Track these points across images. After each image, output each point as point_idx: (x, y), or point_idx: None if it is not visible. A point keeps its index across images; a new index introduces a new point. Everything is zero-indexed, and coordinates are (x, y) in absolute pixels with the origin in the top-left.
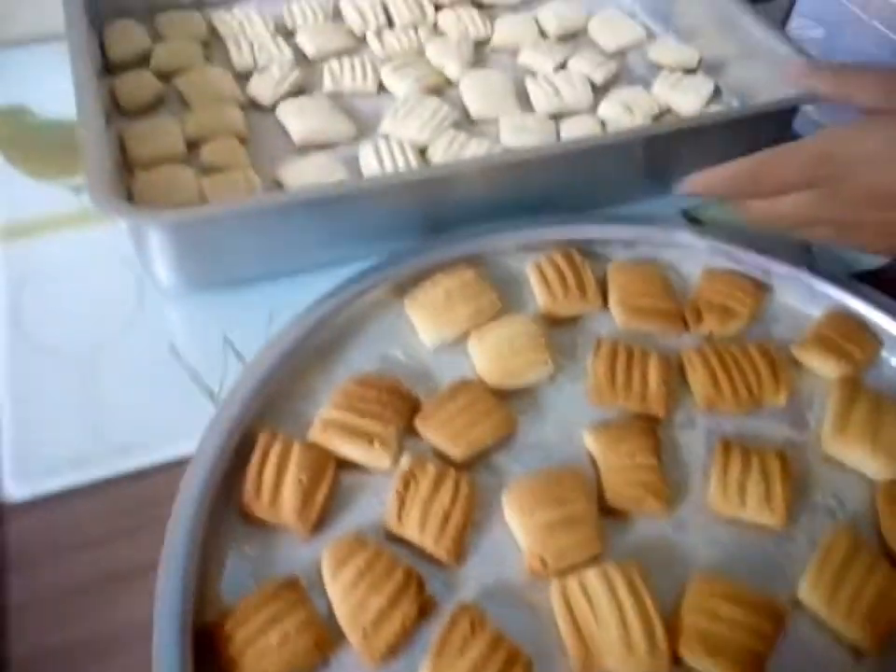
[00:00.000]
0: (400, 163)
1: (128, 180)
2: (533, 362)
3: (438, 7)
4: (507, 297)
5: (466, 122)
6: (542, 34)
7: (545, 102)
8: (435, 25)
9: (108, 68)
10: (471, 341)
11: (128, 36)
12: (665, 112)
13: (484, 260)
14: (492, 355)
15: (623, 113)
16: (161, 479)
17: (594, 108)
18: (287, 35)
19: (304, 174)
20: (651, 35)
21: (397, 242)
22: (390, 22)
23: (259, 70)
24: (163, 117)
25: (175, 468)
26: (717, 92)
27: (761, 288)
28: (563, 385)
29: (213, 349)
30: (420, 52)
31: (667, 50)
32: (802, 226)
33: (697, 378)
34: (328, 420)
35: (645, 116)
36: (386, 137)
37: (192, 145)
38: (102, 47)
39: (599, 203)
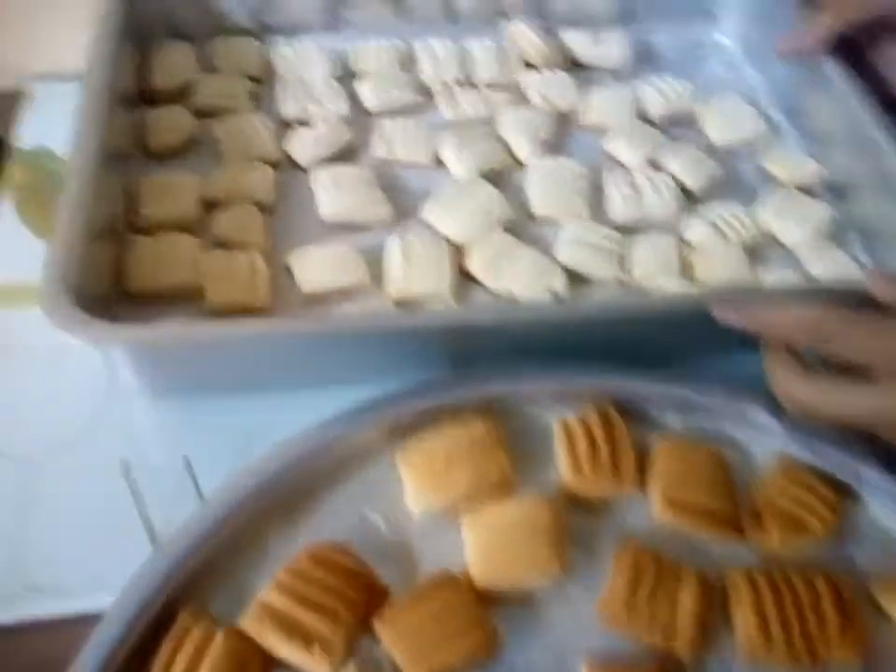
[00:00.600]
0: (427, 275)
1: (128, 240)
2: (536, 563)
3: (528, 65)
4: (525, 457)
5: (524, 216)
6: (643, 114)
7: (621, 208)
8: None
9: (151, 97)
10: (465, 522)
11: (173, 64)
12: (766, 238)
13: (506, 407)
14: (486, 545)
15: (713, 235)
16: (69, 635)
17: (679, 220)
18: (351, 76)
19: (318, 267)
20: (773, 130)
21: (409, 372)
22: (469, 77)
23: (304, 124)
24: (183, 172)
25: (89, 624)
26: (835, 222)
27: (846, 497)
28: (569, 592)
29: (170, 474)
30: (494, 119)
31: (785, 160)
32: (866, 421)
33: (743, 614)
34: (265, 606)
35: (739, 242)
36: (422, 226)
37: (211, 205)
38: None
39: (667, 358)
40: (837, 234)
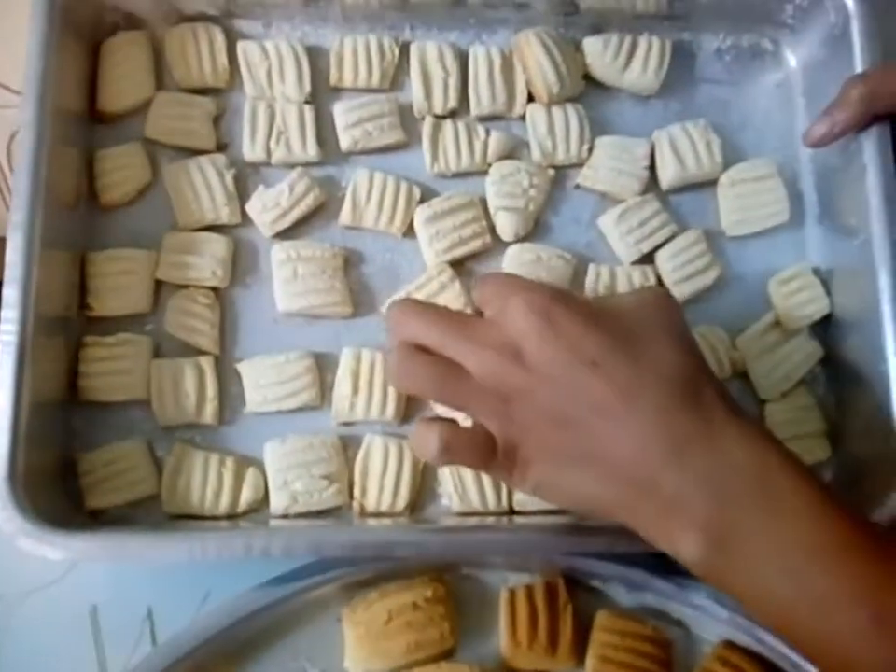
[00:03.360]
0: (373, 404)
1: (79, 340)
2: None
3: (532, 97)
4: (471, 622)
5: None
6: (654, 174)
7: None
8: (522, 117)
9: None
10: None
11: (124, 75)
12: (737, 374)
13: (459, 571)
14: None
15: None
16: None
17: None
18: (330, 92)
19: (267, 382)
20: (798, 220)
21: None
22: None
23: (264, 186)
24: (133, 252)
25: None
26: (824, 361)
27: None
28: None
29: (133, 622)
30: (482, 164)
31: (791, 290)
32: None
33: None
34: None
35: None
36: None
37: (161, 284)
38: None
39: None
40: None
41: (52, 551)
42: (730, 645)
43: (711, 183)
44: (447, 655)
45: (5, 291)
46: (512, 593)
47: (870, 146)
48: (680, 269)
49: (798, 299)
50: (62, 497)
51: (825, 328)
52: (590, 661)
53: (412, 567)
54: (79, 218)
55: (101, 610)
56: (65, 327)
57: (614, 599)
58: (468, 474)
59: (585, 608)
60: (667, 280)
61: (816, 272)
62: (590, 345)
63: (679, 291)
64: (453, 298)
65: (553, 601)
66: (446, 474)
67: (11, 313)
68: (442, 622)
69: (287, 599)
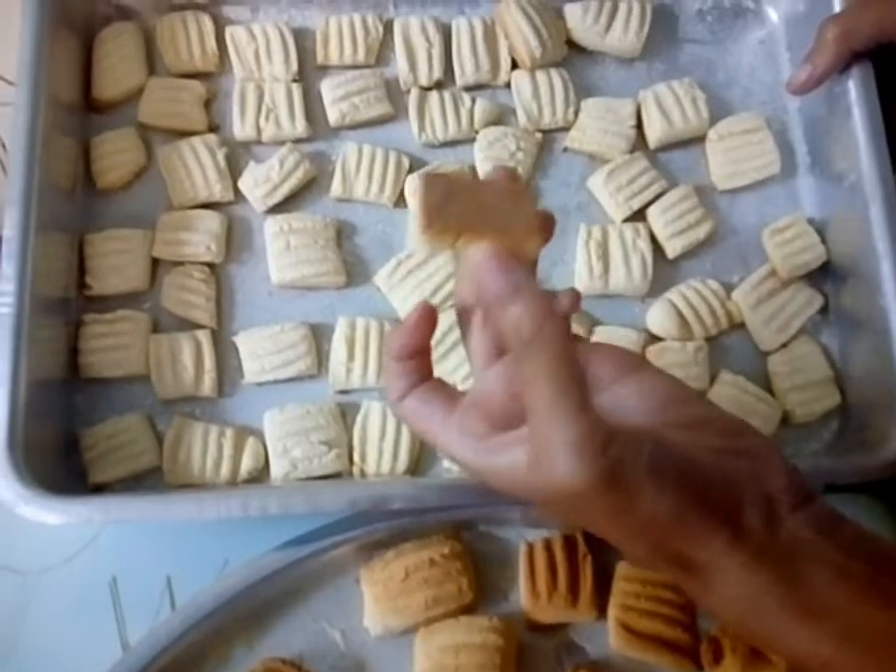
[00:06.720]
0: (368, 370)
1: (79, 319)
2: None
3: (515, 65)
4: (490, 579)
5: None
6: (642, 134)
7: (586, 283)
8: (507, 85)
9: (94, 106)
10: (418, 639)
11: (117, 64)
12: (735, 326)
13: (476, 528)
14: (433, 666)
15: (676, 328)
16: None
17: (645, 296)
18: (314, 67)
19: (264, 352)
20: (790, 170)
21: None
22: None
23: (255, 162)
24: (129, 232)
25: None
26: (824, 310)
27: None
28: None
29: (152, 591)
30: (469, 132)
31: (787, 240)
32: None
33: None
34: None
35: (705, 331)
36: (374, 297)
37: (158, 262)
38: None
39: None
40: (819, 328)
41: (52, 516)
42: None
43: (699, 140)
44: (467, 611)
45: (3, 266)
46: (531, 546)
47: (853, 85)
48: (672, 224)
49: (792, 247)
50: (65, 473)
51: (824, 277)
52: (612, 610)
53: (428, 527)
54: (77, 203)
55: (120, 582)
56: (65, 307)
57: None
58: None
59: (606, 560)
60: (660, 235)
61: (811, 221)
62: None
63: (672, 246)
64: (442, 264)
65: (572, 553)
66: None
67: (8, 286)
68: (460, 577)
69: (305, 561)
